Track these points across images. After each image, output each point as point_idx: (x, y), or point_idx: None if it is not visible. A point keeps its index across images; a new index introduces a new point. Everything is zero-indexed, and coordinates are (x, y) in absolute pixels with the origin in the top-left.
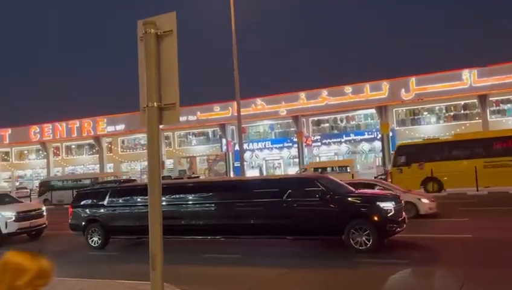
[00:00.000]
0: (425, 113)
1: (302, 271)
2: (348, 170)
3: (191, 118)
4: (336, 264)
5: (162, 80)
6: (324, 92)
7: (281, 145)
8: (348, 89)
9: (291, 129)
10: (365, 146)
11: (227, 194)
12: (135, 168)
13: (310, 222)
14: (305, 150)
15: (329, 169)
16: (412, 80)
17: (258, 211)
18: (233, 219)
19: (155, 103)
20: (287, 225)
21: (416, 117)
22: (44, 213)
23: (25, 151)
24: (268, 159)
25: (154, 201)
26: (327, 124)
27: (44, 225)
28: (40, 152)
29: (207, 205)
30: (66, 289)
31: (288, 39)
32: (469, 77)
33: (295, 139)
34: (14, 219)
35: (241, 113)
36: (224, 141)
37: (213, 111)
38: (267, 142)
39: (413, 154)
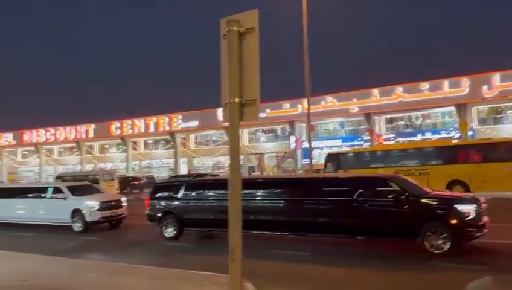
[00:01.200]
0: (510, 111)
1: (374, 272)
2: None
3: (261, 115)
4: (409, 267)
5: (243, 76)
6: (399, 89)
7: (351, 143)
8: (425, 85)
9: (363, 127)
10: None
11: (296, 191)
12: (207, 163)
13: (382, 222)
14: None
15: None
16: (496, 76)
17: (327, 209)
18: (301, 216)
19: (237, 99)
20: (358, 225)
21: (498, 116)
22: (124, 204)
23: (107, 145)
24: None
25: (234, 195)
26: (401, 122)
27: (123, 215)
28: (120, 146)
29: (275, 201)
30: (144, 276)
31: (361, 33)
32: None
33: (366, 137)
34: (97, 208)
35: (311, 111)
36: (293, 138)
37: (282, 108)
38: (337, 140)
39: (340, 162)
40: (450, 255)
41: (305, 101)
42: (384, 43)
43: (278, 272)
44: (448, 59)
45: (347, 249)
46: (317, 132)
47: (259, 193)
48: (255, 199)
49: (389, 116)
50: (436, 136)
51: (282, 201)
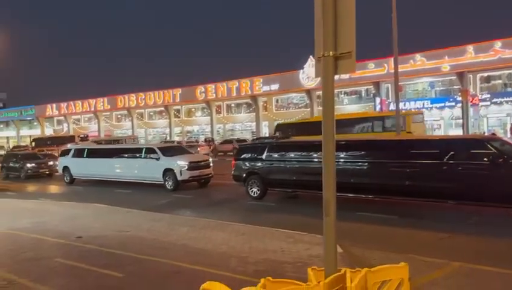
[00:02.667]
0: None
1: (465, 238)
2: None
3: (343, 76)
4: (508, 233)
5: (338, 28)
6: (497, 44)
7: (442, 104)
8: None
9: (455, 87)
10: None
11: (382, 154)
12: None
13: (477, 187)
14: (471, 110)
15: None
16: None
17: (415, 172)
18: (387, 179)
19: (331, 52)
20: (449, 188)
21: None
22: (211, 164)
23: (193, 109)
24: (427, 120)
25: (328, 149)
26: (499, 81)
27: (211, 175)
28: (205, 110)
29: (360, 163)
30: (232, 231)
31: None
32: None
33: (459, 98)
34: (187, 167)
35: (398, 70)
36: (378, 99)
37: (367, 68)
38: (426, 102)
39: (286, 131)
40: None
41: (391, 61)
42: None
43: (364, 234)
44: None
45: (436, 213)
46: (405, 93)
47: (343, 155)
48: (339, 161)
49: (485, 74)
50: None
51: (367, 163)
